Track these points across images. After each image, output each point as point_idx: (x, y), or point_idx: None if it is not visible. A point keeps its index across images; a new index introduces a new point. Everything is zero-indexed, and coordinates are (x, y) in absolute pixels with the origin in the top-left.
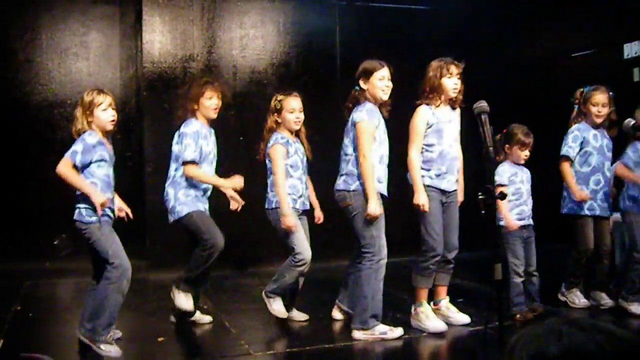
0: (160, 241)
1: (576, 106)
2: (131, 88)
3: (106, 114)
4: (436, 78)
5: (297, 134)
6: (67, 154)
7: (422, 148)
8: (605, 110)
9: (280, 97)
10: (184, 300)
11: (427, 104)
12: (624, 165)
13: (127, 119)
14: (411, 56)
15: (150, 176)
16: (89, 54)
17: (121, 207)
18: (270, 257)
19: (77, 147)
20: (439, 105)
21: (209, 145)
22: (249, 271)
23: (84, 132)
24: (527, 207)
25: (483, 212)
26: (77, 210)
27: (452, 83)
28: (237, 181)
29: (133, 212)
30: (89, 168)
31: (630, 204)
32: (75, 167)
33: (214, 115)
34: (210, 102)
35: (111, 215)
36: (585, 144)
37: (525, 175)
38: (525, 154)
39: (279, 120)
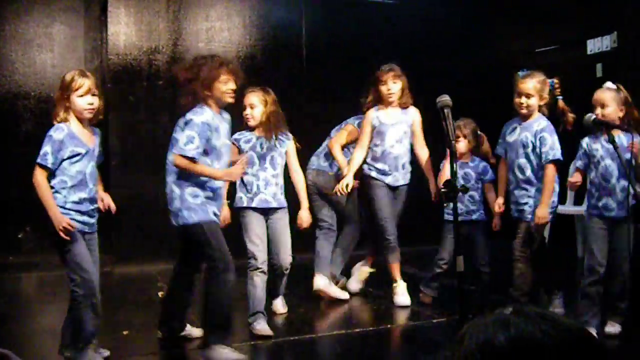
0: (125, 235)
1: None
2: (96, 80)
3: (82, 101)
4: (374, 86)
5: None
6: (39, 159)
7: (369, 147)
8: (529, 102)
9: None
10: (230, 353)
11: (375, 108)
12: (578, 169)
13: None
14: (377, 50)
15: (115, 170)
16: (53, 45)
17: (104, 199)
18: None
19: (47, 147)
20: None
21: (220, 138)
22: None
23: (61, 121)
24: (462, 204)
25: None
26: None
27: (385, 90)
28: (234, 172)
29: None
30: (60, 166)
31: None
32: (50, 170)
33: (230, 100)
34: (227, 87)
35: (85, 220)
36: (502, 139)
37: (461, 171)
38: (458, 146)
39: None
